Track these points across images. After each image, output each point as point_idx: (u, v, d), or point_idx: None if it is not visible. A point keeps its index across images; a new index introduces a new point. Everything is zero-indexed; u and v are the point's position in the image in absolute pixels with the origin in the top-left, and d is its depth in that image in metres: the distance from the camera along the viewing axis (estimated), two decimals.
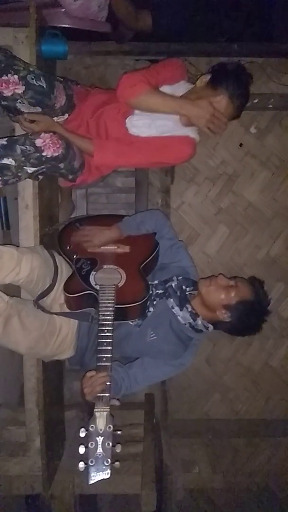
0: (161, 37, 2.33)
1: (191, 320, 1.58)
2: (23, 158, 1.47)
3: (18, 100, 1.50)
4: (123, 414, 2.33)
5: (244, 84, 1.54)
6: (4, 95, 1.48)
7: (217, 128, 1.53)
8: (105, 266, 1.61)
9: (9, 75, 1.45)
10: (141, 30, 2.28)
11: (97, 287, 1.48)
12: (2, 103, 1.53)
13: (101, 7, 2.08)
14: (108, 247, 1.72)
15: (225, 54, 2.41)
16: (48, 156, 1.49)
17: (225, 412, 2.86)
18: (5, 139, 1.49)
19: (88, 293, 1.48)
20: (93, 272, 1.57)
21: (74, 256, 1.66)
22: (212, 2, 2.45)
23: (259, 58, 2.46)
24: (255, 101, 2.34)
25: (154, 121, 1.61)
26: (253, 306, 1.55)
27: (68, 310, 1.56)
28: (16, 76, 1.45)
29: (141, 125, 1.62)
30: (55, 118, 1.66)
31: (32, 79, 1.48)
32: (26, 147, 1.46)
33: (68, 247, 1.72)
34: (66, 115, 1.71)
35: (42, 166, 1.52)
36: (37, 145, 1.47)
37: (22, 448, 1.89)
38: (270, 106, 2.49)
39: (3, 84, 1.45)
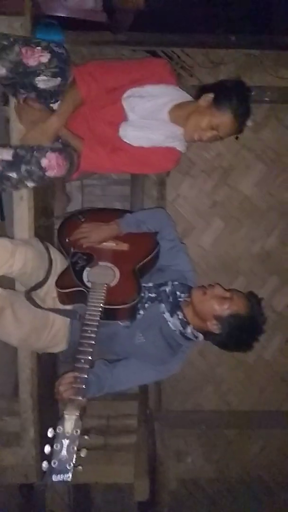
0: (157, 19, 2.29)
1: (181, 328, 1.55)
2: (26, 175, 1.49)
3: (41, 73, 1.48)
4: (117, 404, 2.35)
5: (246, 101, 1.61)
6: (29, 65, 1.45)
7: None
8: (100, 263, 1.57)
9: (32, 45, 1.45)
10: (135, 9, 2.24)
11: (89, 284, 1.45)
12: (25, 80, 1.50)
13: (97, 1, 2.06)
14: (107, 243, 1.68)
15: (223, 45, 2.40)
16: (51, 176, 1.51)
17: (218, 403, 2.88)
18: (11, 153, 1.48)
19: (79, 290, 1.46)
20: (87, 268, 1.53)
21: (71, 250, 1.62)
22: None
23: (256, 51, 2.44)
24: (252, 93, 2.32)
25: (147, 134, 1.63)
26: (245, 322, 1.48)
27: (60, 305, 1.55)
28: (39, 48, 1.45)
29: (132, 137, 1.63)
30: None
31: (56, 46, 1.48)
32: (31, 168, 1.47)
33: (67, 239, 1.69)
34: None
35: (43, 183, 1.56)
36: (42, 165, 1.48)
37: (17, 438, 1.91)
38: (267, 99, 2.47)
39: (28, 53, 1.44)
